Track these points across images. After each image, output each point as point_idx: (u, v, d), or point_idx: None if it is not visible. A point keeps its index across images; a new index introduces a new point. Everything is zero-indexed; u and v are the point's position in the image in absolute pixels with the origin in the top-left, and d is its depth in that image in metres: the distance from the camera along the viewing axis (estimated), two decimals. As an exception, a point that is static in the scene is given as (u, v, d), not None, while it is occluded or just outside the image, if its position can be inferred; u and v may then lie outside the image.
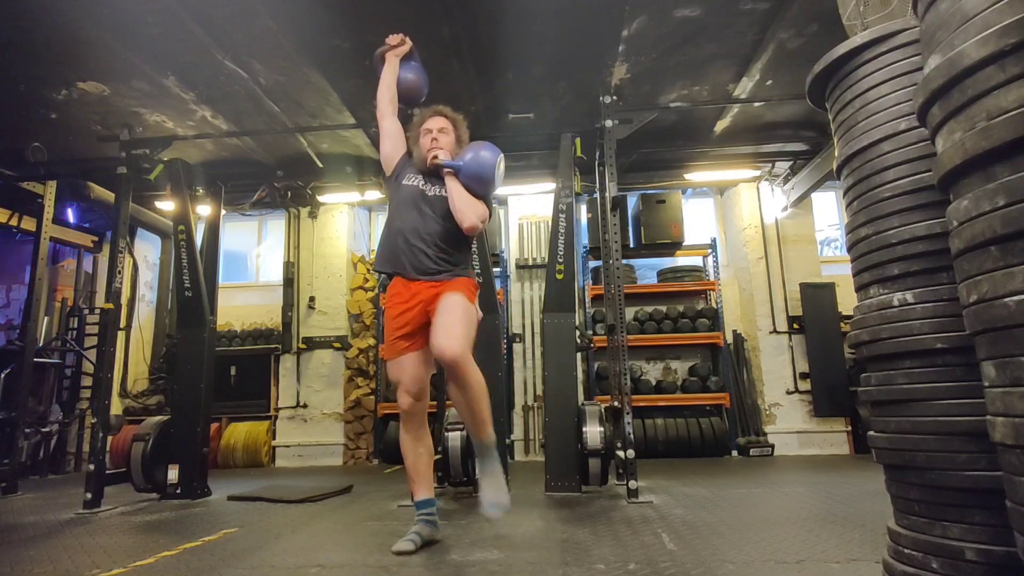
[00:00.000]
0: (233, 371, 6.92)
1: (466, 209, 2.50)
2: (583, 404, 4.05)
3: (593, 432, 3.81)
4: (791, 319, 6.52)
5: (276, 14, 3.98)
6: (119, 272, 4.11)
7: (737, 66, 4.83)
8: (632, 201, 6.98)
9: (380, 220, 7.72)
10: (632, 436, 3.66)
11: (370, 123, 5.46)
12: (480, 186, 2.56)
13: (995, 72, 1.06)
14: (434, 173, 2.61)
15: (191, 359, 4.32)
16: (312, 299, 7.01)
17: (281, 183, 6.49)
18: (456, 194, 2.52)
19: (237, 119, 5.34)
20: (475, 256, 4.24)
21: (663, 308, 6.66)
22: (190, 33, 4.08)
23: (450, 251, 2.56)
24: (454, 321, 2.37)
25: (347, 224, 7.20)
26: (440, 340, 2.32)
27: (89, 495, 3.73)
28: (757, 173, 6.70)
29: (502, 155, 2.60)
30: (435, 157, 2.57)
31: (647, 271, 7.12)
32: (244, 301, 7.44)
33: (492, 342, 4.20)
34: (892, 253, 1.61)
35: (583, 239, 6.80)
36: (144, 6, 3.83)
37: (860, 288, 1.76)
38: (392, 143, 2.74)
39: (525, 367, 6.74)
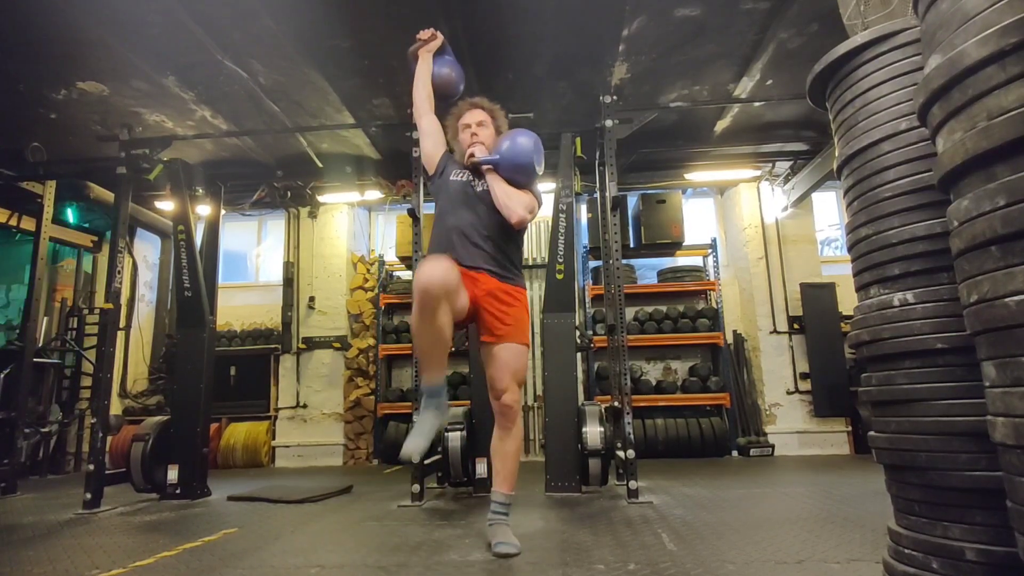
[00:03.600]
0: (233, 371, 6.92)
1: (510, 203, 2.44)
2: (583, 404, 4.05)
3: (593, 432, 3.81)
4: (791, 319, 6.52)
5: (276, 14, 3.98)
6: (119, 272, 4.11)
7: (737, 66, 4.83)
8: (632, 201, 6.98)
9: (380, 220, 7.73)
10: (632, 436, 3.65)
11: (369, 123, 5.47)
12: (521, 175, 2.49)
13: (995, 72, 1.05)
14: (479, 169, 2.54)
15: (191, 359, 4.32)
16: (312, 299, 7.01)
17: (281, 183, 6.49)
18: (498, 189, 2.46)
19: (237, 119, 5.34)
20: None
21: (663, 308, 6.66)
22: (190, 33, 4.08)
23: (505, 247, 2.51)
24: (518, 368, 2.42)
25: (347, 224, 7.20)
26: (503, 382, 2.38)
27: (89, 495, 3.73)
28: (757, 173, 6.70)
29: (538, 138, 2.53)
30: (471, 155, 2.52)
31: (647, 271, 7.12)
32: (244, 301, 7.44)
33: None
34: (892, 253, 1.61)
35: (583, 239, 6.80)
36: (144, 6, 3.83)
37: (860, 288, 1.75)
38: (432, 142, 2.69)
39: (525, 367, 6.73)
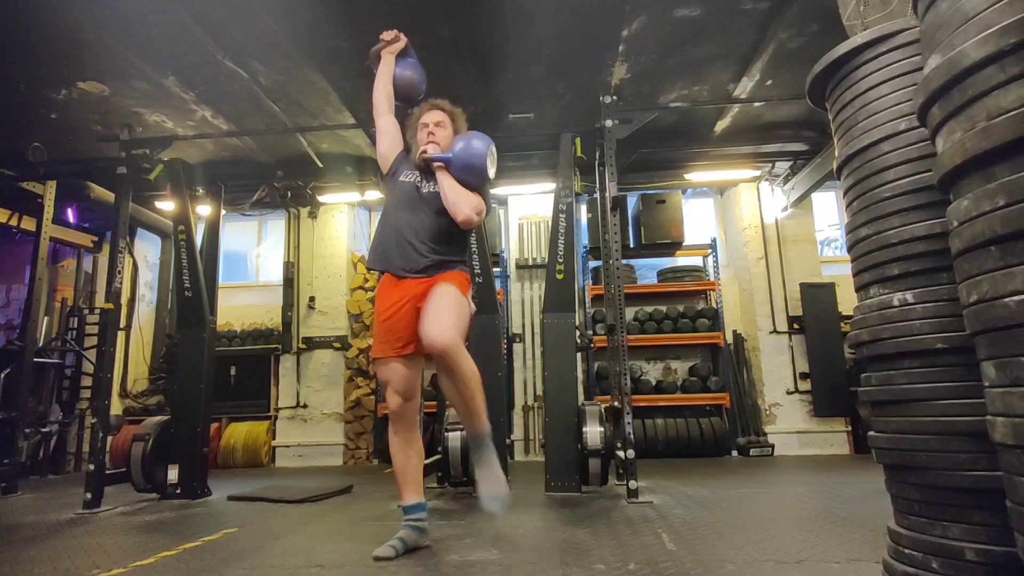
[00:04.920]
0: (233, 371, 6.92)
1: (458, 202, 2.44)
2: (583, 404, 4.05)
3: (593, 432, 3.81)
4: (791, 319, 6.52)
5: (276, 14, 3.98)
6: (119, 272, 4.11)
7: (737, 66, 4.83)
8: (632, 201, 6.98)
9: (380, 220, 7.72)
10: (632, 436, 3.65)
11: (370, 123, 5.43)
12: (472, 176, 2.50)
13: (995, 72, 1.06)
14: (430, 169, 2.55)
15: (191, 359, 4.32)
16: (312, 299, 7.01)
17: (281, 183, 6.49)
18: (448, 187, 2.46)
19: (237, 119, 5.34)
20: (475, 256, 4.24)
21: (663, 308, 6.66)
22: (190, 33, 4.08)
23: (444, 249, 2.50)
24: (444, 309, 2.30)
25: (347, 224, 7.20)
26: (430, 328, 2.25)
27: (89, 495, 3.73)
28: (757, 173, 6.70)
29: (492, 143, 2.54)
30: (424, 152, 2.53)
31: (647, 271, 7.12)
32: (244, 301, 7.44)
33: (492, 342, 4.20)
34: (892, 253, 1.61)
35: (583, 239, 6.80)
36: (144, 6, 3.83)
37: (860, 288, 1.76)
38: (389, 141, 2.70)
39: (525, 367, 6.74)
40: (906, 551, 1.49)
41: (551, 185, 4.85)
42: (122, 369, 6.77)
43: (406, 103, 2.85)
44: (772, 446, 6.11)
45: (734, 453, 6.21)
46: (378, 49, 2.82)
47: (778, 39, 4.39)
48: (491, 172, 2.54)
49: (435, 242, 2.48)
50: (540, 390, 6.26)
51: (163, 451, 4.14)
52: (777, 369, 6.45)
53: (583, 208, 6.82)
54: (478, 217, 2.50)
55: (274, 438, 6.77)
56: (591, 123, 4.31)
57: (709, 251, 6.85)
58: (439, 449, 4.09)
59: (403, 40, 2.84)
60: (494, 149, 2.55)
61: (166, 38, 4.15)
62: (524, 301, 6.93)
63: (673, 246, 6.73)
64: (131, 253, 6.98)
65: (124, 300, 6.35)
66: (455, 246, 2.57)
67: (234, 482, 5.00)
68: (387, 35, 2.82)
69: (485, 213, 2.60)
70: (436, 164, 2.51)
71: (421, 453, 2.53)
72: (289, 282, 6.97)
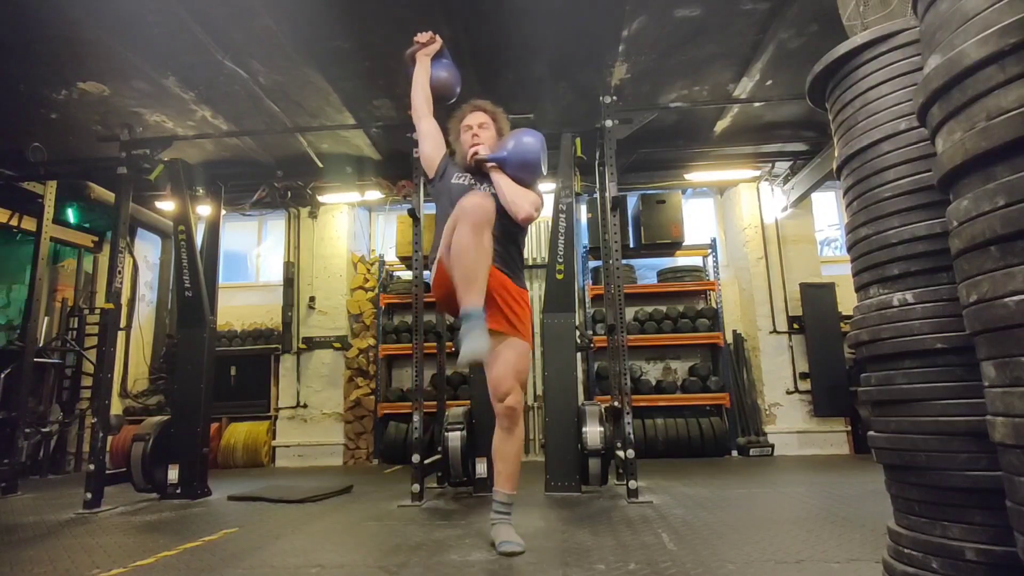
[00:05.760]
0: (233, 371, 6.92)
1: (518, 199, 2.44)
2: (583, 404, 4.05)
3: (593, 432, 3.81)
4: (791, 319, 6.52)
5: (276, 14, 3.98)
6: (119, 272, 4.11)
7: (737, 66, 4.83)
8: (632, 201, 6.98)
9: (380, 220, 7.73)
10: (632, 436, 3.65)
11: (369, 123, 5.47)
12: (527, 173, 2.50)
13: (995, 72, 1.06)
14: (480, 170, 2.55)
15: (191, 359, 4.32)
16: (312, 299, 7.01)
17: (281, 183, 6.49)
18: (505, 186, 2.46)
19: (237, 119, 5.34)
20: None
21: (663, 308, 6.66)
22: (190, 33, 4.08)
23: (508, 248, 2.51)
24: (521, 369, 2.42)
25: (347, 224, 7.20)
26: (506, 386, 2.37)
27: (89, 495, 3.73)
28: (757, 173, 6.70)
29: (543, 138, 2.54)
30: (475, 153, 2.52)
31: (647, 271, 7.12)
32: (244, 301, 7.44)
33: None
34: (892, 253, 1.61)
35: (583, 239, 6.80)
36: (144, 6, 3.83)
37: (860, 288, 1.75)
38: (432, 144, 2.69)
39: (525, 367, 6.73)
40: (906, 551, 1.49)
41: (551, 185, 4.86)
42: (122, 369, 6.77)
43: (441, 103, 2.84)
44: (772, 446, 6.11)
45: (734, 453, 6.21)
46: (413, 51, 2.81)
47: (778, 39, 4.39)
48: (545, 167, 2.54)
49: (499, 239, 2.46)
50: (540, 390, 6.26)
51: (163, 451, 4.14)
52: (777, 369, 6.45)
53: (583, 208, 6.82)
54: (537, 213, 2.51)
55: (274, 438, 6.77)
56: (591, 123, 4.31)
57: (709, 251, 6.85)
58: (439, 449, 4.09)
59: (438, 42, 2.83)
60: (544, 143, 2.55)
61: (166, 38, 4.15)
62: (524, 301, 6.92)
63: (673, 246, 6.73)
64: (131, 253, 6.97)
65: (124, 300, 6.34)
66: (516, 243, 2.58)
67: (234, 482, 5.00)
68: (422, 37, 2.80)
69: (542, 207, 2.61)
70: (490, 164, 2.50)
71: (489, 255, 2.28)
72: (289, 282, 6.97)
